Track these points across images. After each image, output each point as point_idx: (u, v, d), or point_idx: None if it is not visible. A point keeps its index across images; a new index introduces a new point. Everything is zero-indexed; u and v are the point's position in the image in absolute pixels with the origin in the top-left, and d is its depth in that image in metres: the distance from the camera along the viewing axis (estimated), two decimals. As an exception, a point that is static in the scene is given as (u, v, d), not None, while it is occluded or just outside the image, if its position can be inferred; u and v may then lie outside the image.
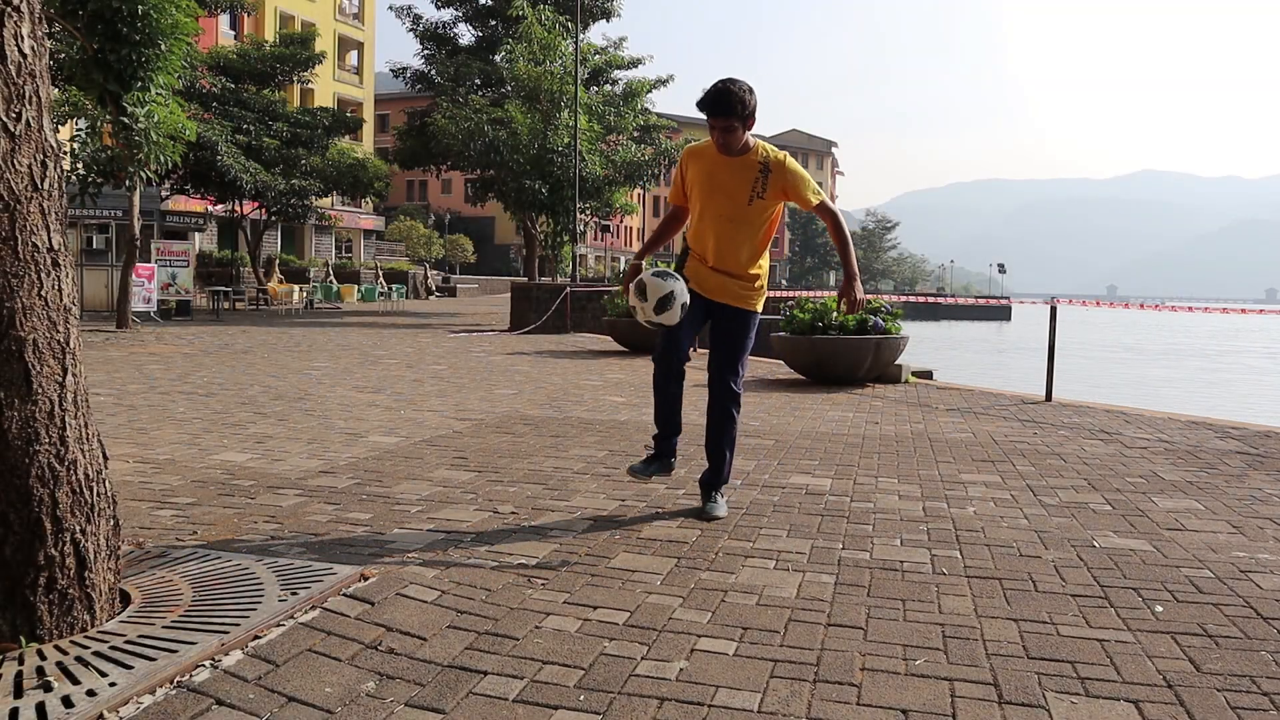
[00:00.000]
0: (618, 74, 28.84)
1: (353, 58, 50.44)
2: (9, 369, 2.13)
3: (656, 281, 3.43)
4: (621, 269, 58.06)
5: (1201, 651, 2.32)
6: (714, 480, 3.72)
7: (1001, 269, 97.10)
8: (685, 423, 3.80)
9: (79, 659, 2.09)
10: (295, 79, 30.21)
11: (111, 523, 2.36)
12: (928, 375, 10.48)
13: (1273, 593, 2.78)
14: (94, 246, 19.52)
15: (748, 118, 3.40)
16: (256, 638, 2.27)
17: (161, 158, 13.58)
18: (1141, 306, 10.37)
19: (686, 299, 3.46)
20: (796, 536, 3.36)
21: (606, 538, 3.30)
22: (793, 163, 3.55)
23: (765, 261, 3.67)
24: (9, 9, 2.12)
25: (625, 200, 27.93)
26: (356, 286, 29.87)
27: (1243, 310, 10.66)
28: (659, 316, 3.42)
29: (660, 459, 3.73)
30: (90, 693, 1.93)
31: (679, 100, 47.40)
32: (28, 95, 2.16)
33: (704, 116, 3.39)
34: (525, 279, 30.70)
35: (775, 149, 3.54)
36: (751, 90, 3.40)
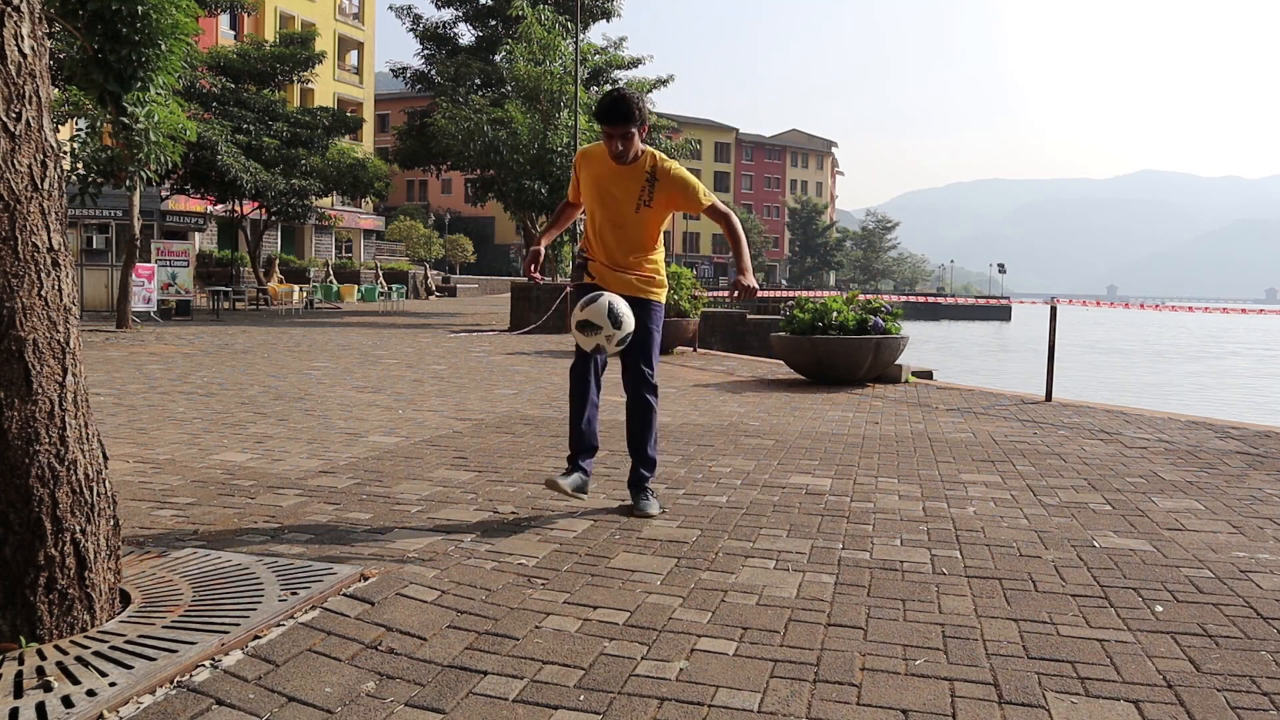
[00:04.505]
0: (618, 74, 28.81)
1: (353, 58, 50.44)
2: (9, 369, 2.13)
3: (591, 307, 3.37)
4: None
5: (1201, 651, 2.32)
6: (640, 479, 3.73)
7: (1001, 269, 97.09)
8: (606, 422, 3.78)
9: (79, 659, 2.09)
10: (295, 79, 30.20)
11: (111, 523, 2.36)
12: (928, 375, 10.49)
13: (1273, 593, 2.78)
14: (94, 246, 19.50)
15: (642, 124, 3.51)
16: (256, 638, 2.27)
17: (161, 158, 13.58)
18: (1142, 306, 10.37)
19: (630, 324, 3.42)
20: (796, 536, 3.36)
21: (606, 538, 3.30)
22: (679, 171, 3.61)
23: (658, 256, 3.75)
24: (9, 9, 2.13)
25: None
26: (356, 286, 29.83)
27: (1243, 310, 10.67)
28: (621, 331, 3.37)
29: (578, 471, 3.65)
30: (90, 693, 1.93)
31: (679, 100, 47.51)
32: (28, 95, 2.16)
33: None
34: (525, 279, 30.69)
35: (665, 158, 3.61)
36: (643, 99, 3.56)
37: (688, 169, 3.77)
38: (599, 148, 3.64)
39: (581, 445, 3.64)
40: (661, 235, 3.78)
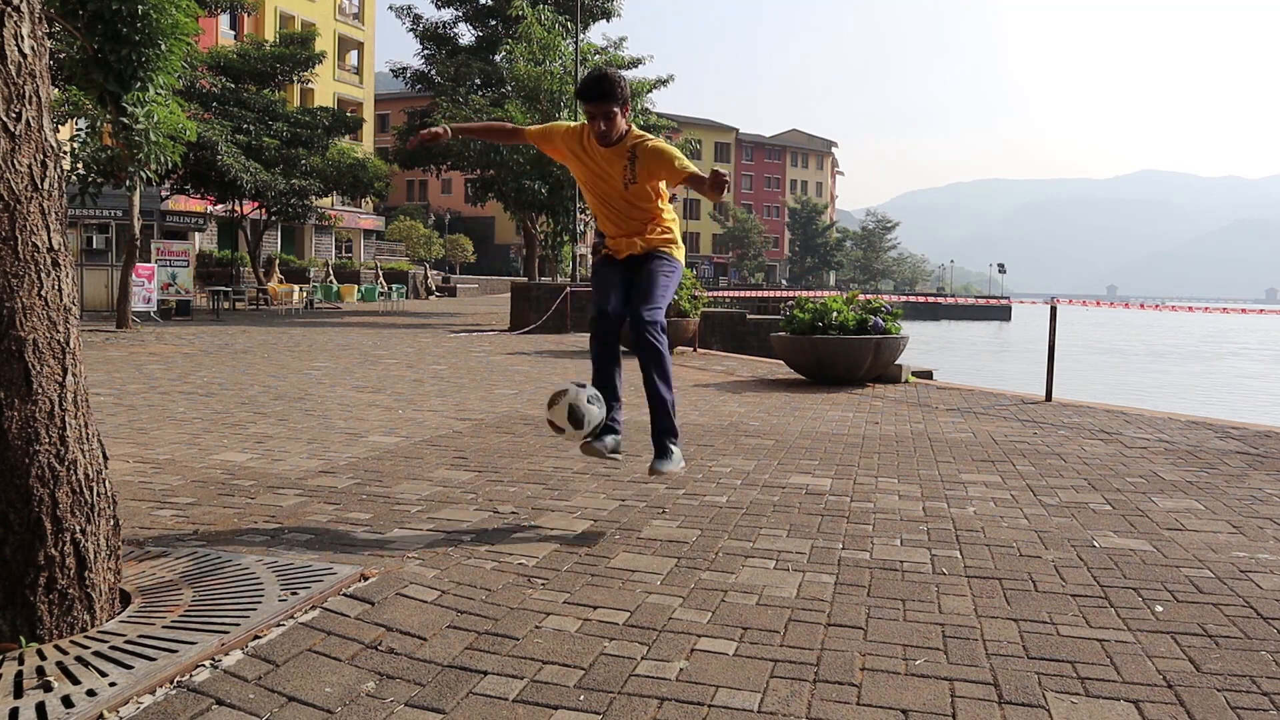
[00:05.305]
0: (618, 74, 28.83)
1: (353, 58, 50.45)
2: (9, 369, 2.13)
3: (555, 407, 3.37)
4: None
5: (1201, 651, 2.32)
6: (665, 427, 3.60)
7: (1001, 269, 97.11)
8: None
9: (79, 659, 2.09)
10: (295, 79, 30.23)
11: (111, 523, 2.36)
12: (928, 375, 10.49)
13: (1273, 593, 2.78)
14: (94, 246, 19.50)
15: (624, 104, 3.48)
16: (256, 638, 2.27)
17: (161, 158, 13.58)
18: (1142, 306, 10.37)
19: (596, 417, 3.36)
20: (796, 536, 3.36)
21: (606, 538, 3.30)
22: (658, 145, 3.55)
23: (670, 218, 3.71)
24: (9, 9, 2.13)
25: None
26: (356, 286, 29.84)
27: (1243, 310, 10.67)
28: (548, 412, 3.37)
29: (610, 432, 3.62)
30: (90, 693, 1.93)
31: (679, 100, 47.49)
32: (28, 95, 2.16)
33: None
34: (525, 279, 30.69)
35: (643, 134, 3.58)
36: (624, 79, 3.51)
37: None
38: (586, 128, 3.60)
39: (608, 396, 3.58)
40: (666, 197, 3.73)
